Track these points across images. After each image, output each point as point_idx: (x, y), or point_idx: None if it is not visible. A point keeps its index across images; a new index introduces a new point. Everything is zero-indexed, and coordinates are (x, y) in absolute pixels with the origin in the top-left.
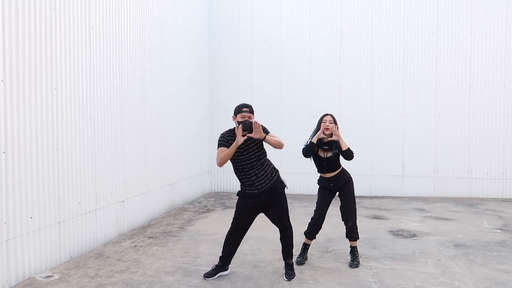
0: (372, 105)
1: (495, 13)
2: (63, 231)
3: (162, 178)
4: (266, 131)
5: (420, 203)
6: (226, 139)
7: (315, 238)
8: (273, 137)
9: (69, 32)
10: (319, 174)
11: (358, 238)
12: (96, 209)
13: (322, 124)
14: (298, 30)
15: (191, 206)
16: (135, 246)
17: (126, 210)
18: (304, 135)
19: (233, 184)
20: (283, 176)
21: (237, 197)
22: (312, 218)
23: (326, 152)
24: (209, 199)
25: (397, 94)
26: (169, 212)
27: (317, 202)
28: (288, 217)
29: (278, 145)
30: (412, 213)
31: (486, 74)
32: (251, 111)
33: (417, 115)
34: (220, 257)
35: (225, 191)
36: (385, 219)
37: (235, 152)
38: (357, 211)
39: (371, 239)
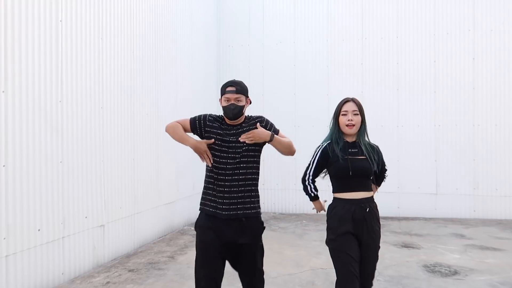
0: (399, 113)
1: None
2: (12, 266)
3: (156, 197)
4: (274, 131)
5: (458, 226)
6: (202, 120)
7: None
8: (283, 137)
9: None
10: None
11: None
12: (63, 237)
13: (341, 117)
14: (314, 32)
15: (192, 228)
16: (108, 282)
17: (106, 237)
18: None
19: None
20: (297, 192)
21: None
22: None
23: (354, 156)
24: None
25: (427, 100)
26: (165, 236)
27: (335, 266)
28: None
29: (288, 149)
30: (450, 240)
31: None
32: (239, 91)
33: (452, 123)
34: None
35: None
36: (417, 248)
37: (217, 142)
38: (382, 237)
39: (400, 278)
